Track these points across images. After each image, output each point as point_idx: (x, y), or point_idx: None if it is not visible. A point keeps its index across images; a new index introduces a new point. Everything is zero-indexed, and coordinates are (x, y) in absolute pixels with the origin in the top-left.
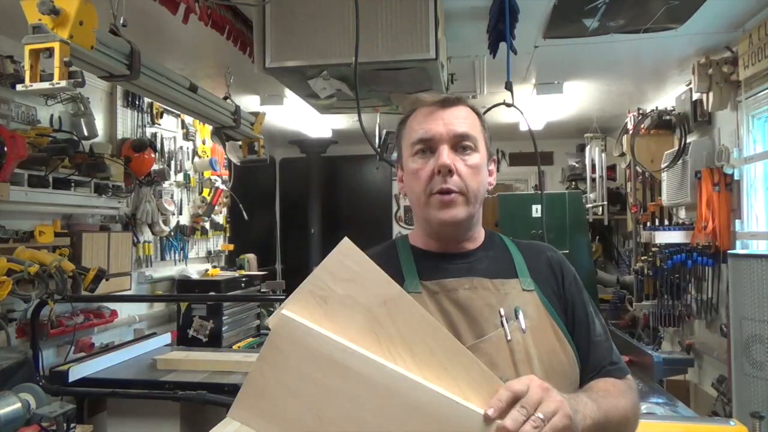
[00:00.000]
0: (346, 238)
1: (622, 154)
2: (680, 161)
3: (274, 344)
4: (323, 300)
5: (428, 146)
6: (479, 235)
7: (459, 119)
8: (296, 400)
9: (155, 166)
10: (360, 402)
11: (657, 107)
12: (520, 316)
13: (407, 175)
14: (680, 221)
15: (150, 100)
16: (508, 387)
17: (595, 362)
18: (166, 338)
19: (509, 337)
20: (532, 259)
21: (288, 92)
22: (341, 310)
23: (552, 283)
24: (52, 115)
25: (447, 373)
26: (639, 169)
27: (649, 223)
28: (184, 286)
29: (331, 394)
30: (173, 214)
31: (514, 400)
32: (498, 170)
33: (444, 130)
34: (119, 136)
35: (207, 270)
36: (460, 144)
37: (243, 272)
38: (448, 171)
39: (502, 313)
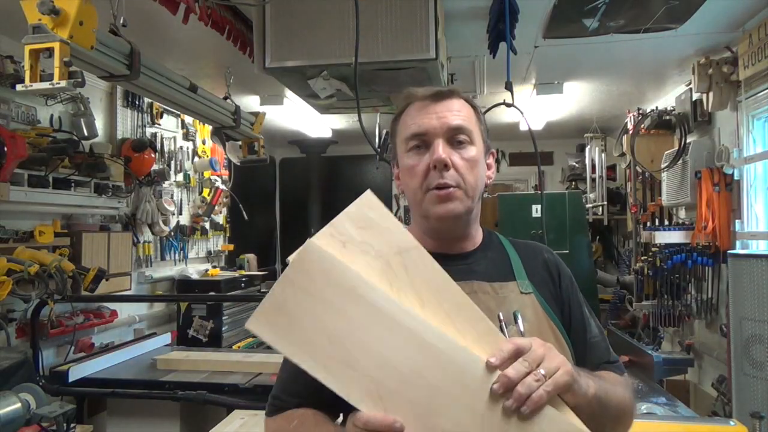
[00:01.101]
0: (368, 191)
1: (622, 154)
2: (680, 161)
3: (299, 267)
4: (342, 244)
5: (422, 141)
6: (477, 235)
7: (453, 112)
8: (311, 321)
9: (155, 166)
10: (371, 331)
11: (657, 107)
12: (519, 320)
13: (403, 172)
14: (680, 221)
15: (150, 100)
16: (511, 341)
17: (591, 362)
18: (166, 338)
19: None
20: (530, 261)
21: (288, 92)
22: (358, 255)
23: (549, 284)
24: (52, 115)
25: (453, 325)
26: (639, 169)
27: (649, 223)
28: (184, 286)
29: (344, 320)
30: (173, 214)
31: (517, 353)
32: (498, 170)
33: (438, 123)
34: (119, 136)
35: (207, 270)
36: (455, 137)
37: (243, 272)
38: (444, 165)
39: (501, 317)
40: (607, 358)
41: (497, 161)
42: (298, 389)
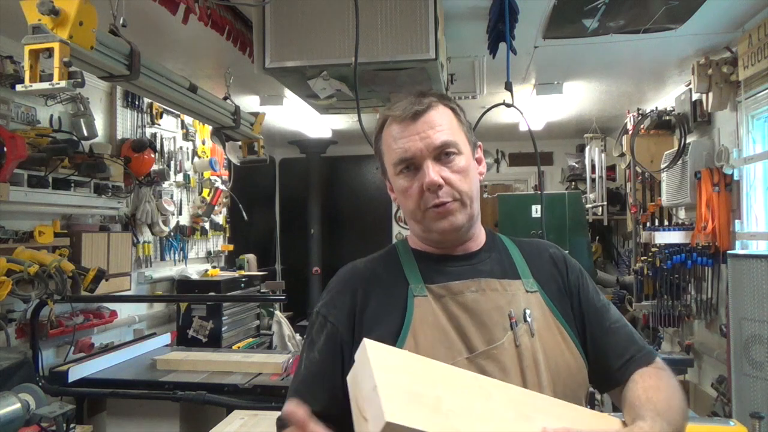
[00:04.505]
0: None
1: (622, 155)
2: (680, 161)
3: None
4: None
5: (411, 164)
6: (480, 235)
7: (435, 128)
8: None
9: (155, 167)
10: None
11: (657, 107)
12: (529, 319)
13: (398, 192)
14: (680, 221)
15: (150, 101)
16: None
17: (619, 348)
18: (166, 338)
19: (518, 342)
20: (534, 259)
21: (288, 92)
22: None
23: (557, 281)
24: (51, 116)
25: None
26: (639, 170)
27: (648, 224)
28: (183, 286)
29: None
30: (173, 215)
31: None
32: (498, 170)
33: (423, 144)
34: (119, 137)
35: (207, 270)
36: (442, 153)
37: (243, 272)
38: (437, 187)
39: (512, 315)
40: (636, 344)
41: (497, 161)
42: (322, 395)
